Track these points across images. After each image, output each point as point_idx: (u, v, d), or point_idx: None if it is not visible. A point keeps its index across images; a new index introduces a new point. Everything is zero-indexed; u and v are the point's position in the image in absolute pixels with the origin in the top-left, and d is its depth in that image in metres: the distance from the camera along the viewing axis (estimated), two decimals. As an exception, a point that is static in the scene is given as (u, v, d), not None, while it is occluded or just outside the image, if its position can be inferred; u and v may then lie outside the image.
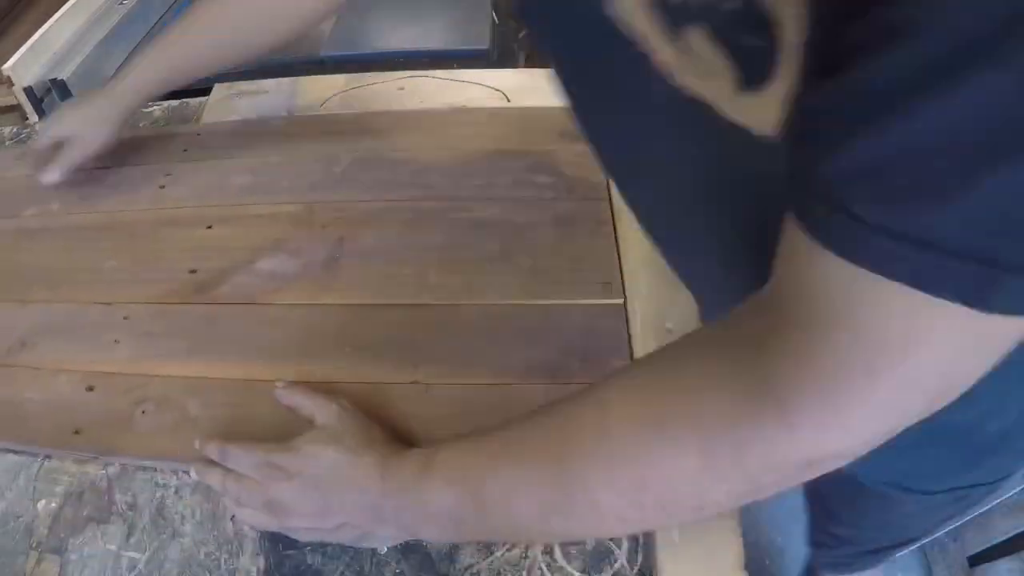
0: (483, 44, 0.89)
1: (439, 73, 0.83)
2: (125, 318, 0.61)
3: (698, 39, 0.31)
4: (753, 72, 0.31)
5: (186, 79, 0.71)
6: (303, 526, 0.46)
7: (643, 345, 0.55)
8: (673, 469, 0.33)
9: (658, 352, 0.38)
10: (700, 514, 0.35)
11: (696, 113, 0.34)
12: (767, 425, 0.30)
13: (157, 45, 0.70)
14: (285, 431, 0.52)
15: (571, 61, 0.41)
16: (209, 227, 0.67)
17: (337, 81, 0.84)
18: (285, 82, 0.85)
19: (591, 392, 0.38)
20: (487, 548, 0.47)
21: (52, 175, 0.70)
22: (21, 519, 0.51)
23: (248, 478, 0.47)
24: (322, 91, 0.82)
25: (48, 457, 0.54)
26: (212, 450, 0.49)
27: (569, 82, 0.43)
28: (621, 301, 0.58)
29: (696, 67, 0.33)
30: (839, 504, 0.70)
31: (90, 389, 0.56)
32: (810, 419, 0.29)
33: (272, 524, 0.46)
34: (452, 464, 0.42)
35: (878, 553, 0.89)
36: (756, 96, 0.32)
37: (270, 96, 0.83)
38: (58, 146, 0.71)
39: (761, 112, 0.32)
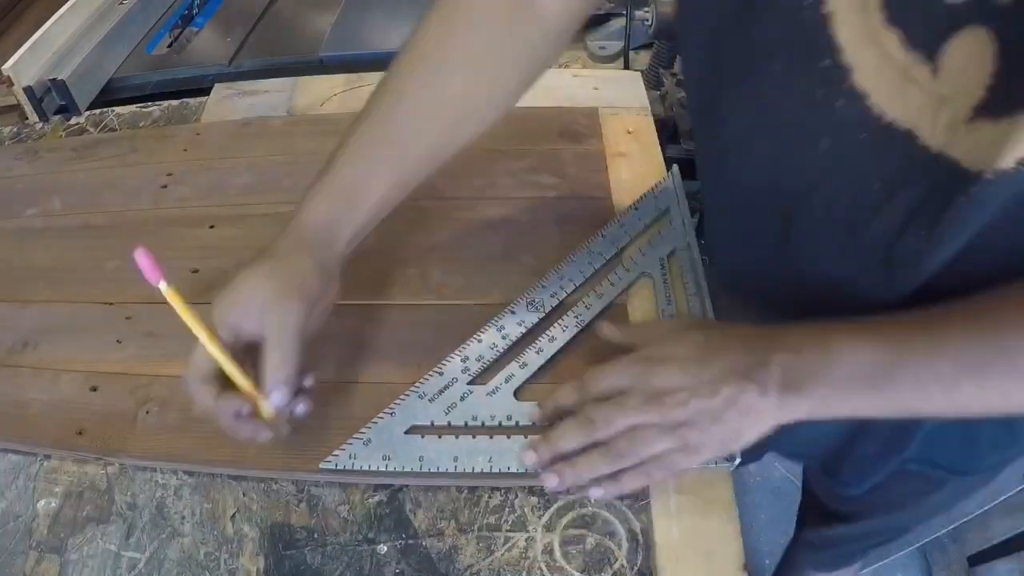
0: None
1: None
2: (128, 318, 0.61)
3: (962, 48, 0.30)
4: (1006, 96, 0.30)
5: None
6: (679, 401, 0.41)
7: (644, 345, 0.55)
8: None
9: None
10: None
11: (887, 140, 0.34)
12: None
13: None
14: (291, 433, 0.52)
15: (734, 48, 0.39)
16: (212, 227, 0.67)
17: (337, 81, 0.83)
18: (284, 82, 0.84)
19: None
20: (487, 548, 0.47)
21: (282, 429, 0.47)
22: (21, 519, 0.51)
23: (622, 393, 0.43)
24: (322, 91, 0.82)
25: (48, 457, 0.55)
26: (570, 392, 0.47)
27: (715, 70, 0.41)
28: (623, 302, 0.58)
29: (922, 87, 0.32)
30: (856, 495, 0.65)
31: (94, 389, 0.56)
32: None
33: (651, 413, 0.42)
34: (860, 332, 0.40)
35: (861, 551, 0.89)
36: (992, 126, 0.31)
37: (269, 96, 0.83)
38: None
39: (989, 146, 0.31)
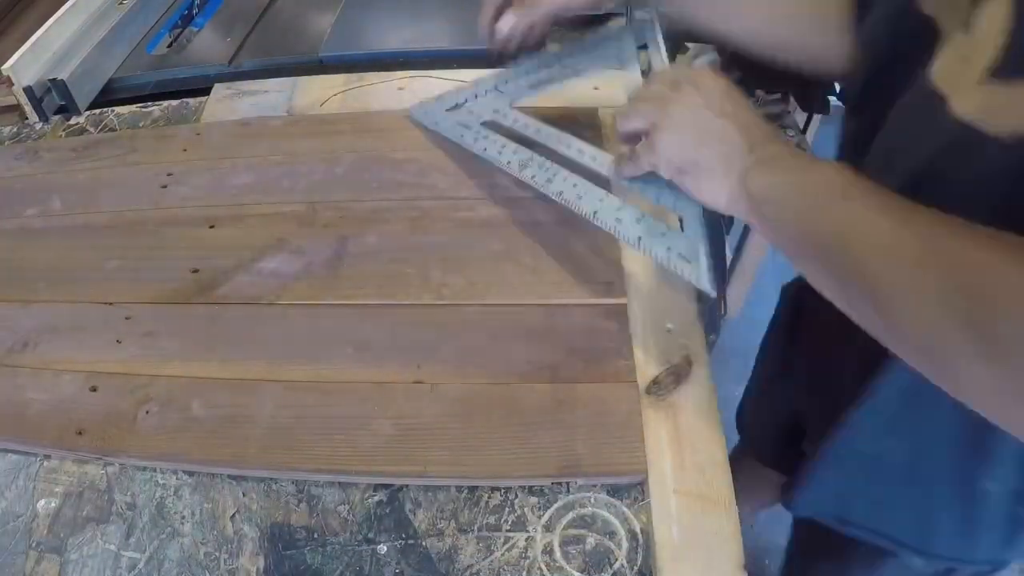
0: (483, 44, 0.88)
1: (439, 73, 0.83)
2: (127, 318, 0.61)
3: (990, 9, 0.31)
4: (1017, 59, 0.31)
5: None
6: (693, 102, 0.46)
7: (643, 345, 0.55)
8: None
9: None
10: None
11: (929, 106, 0.36)
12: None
13: None
14: (291, 433, 0.52)
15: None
16: (211, 226, 0.67)
17: (336, 81, 0.83)
18: (284, 82, 0.84)
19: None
20: (487, 548, 0.47)
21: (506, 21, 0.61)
22: (21, 518, 0.51)
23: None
24: (321, 91, 0.82)
25: (48, 457, 0.54)
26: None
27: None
28: (623, 301, 0.58)
29: (957, 48, 0.34)
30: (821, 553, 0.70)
31: (93, 389, 0.56)
32: None
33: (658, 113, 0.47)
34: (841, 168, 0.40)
35: None
36: (1006, 88, 0.31)
37: (269, 96, 0.83)
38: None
39: (1004, 108, 0.32)
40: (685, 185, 0.48)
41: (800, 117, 0.84)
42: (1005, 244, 0.31)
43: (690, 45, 0.92)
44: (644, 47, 0.67)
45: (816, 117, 0.94)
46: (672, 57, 0.88)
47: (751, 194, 0.43)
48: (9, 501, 0.52)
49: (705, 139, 0.45)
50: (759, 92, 0.77)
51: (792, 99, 0.79)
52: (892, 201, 0.36)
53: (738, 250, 1.10)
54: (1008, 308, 0.30)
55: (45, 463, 0.54)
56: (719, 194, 0.45)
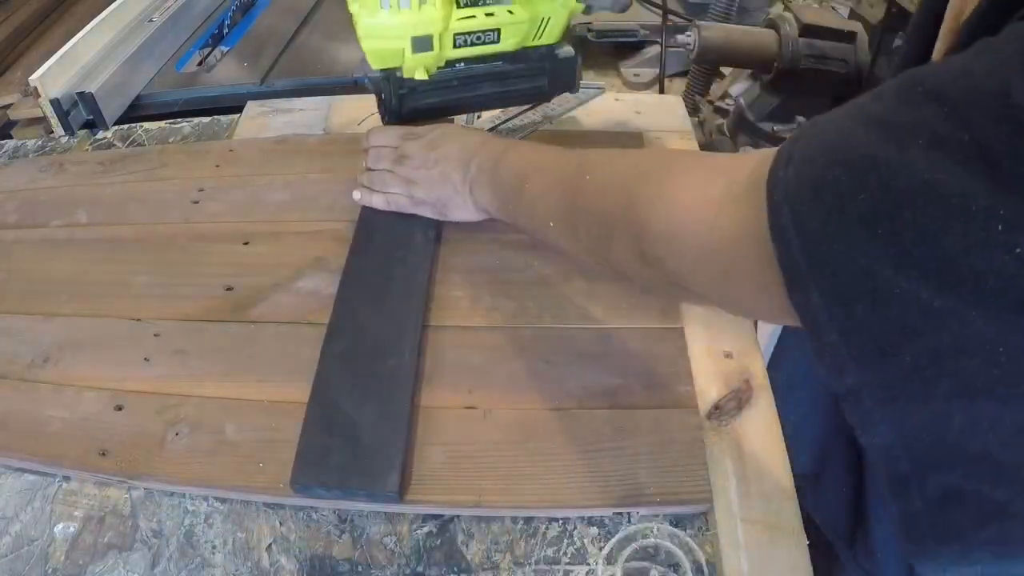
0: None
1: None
2: (156, 335, 0.58)
3: None
4: None
5: None
6: (413, 166, 0.61)
7: (702, 370, 0.53)
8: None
9: None
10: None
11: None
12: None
13: None
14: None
15: None
16: (246, 243, 0.65)
17: (374, 100, 0.82)
18: (319, 101, 0.83)
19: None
20: None
21: None
22: (36, 543, 0.48)
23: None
24: (358, 111, 0.81)
25: (67, 478, 0.51)
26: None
27: None
28: (679, 325, 0.56)
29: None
30: None
31: (119, 408, 0.53)
32: None
33: (396, 167, 0.63)
34: (522, 152, 0.56)
35: None
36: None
37: (305, 114, 0.81)
38: None
39: None
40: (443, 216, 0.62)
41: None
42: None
43: (725, 71, 0.92)
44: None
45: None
46: (708, 83, 0.88)
47: (483, 208, 0.59)
48: (24, 524, 0.49)
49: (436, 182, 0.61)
50: (799, 118, 0.76)
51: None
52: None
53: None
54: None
55: (64, 485, 0.51)
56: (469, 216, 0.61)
